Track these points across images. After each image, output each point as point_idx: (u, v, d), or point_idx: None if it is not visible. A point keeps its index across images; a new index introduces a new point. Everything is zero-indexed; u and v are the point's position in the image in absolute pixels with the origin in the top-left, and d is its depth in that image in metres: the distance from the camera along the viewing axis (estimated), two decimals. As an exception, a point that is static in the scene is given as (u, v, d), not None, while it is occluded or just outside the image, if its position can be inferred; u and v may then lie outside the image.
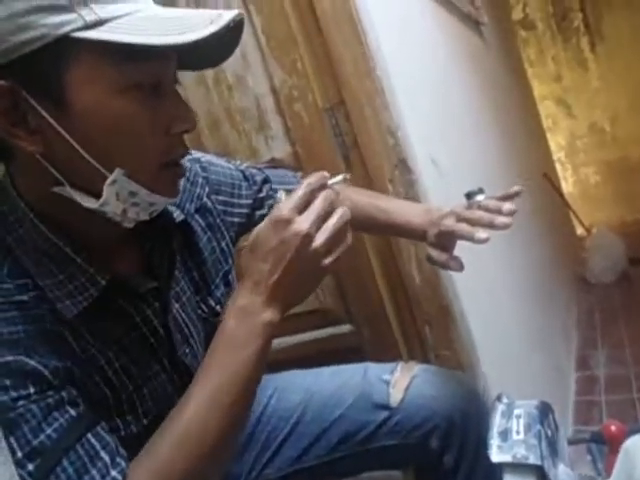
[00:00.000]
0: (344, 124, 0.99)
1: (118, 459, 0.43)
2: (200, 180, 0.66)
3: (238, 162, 0.77)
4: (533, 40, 3.89)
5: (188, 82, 1.09)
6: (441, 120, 1.20)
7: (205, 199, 0.65)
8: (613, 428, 1.02)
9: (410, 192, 0.96)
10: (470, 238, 0.60)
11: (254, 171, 0.77)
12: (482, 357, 1.00)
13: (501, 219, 0.59)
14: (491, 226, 0.59)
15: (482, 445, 0.66)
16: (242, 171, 0.75)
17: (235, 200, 0.71)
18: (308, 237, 0.46)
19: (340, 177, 0.52)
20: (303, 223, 0.46)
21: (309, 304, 1.10)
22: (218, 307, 0.63)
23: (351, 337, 1.06)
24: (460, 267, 0.63)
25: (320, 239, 0.47)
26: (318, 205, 0.47)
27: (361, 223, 0.78)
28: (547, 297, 1.91)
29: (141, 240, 0.56)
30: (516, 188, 0.63)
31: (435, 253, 0.66)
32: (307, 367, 1.14)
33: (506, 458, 0.41)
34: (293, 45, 0.99)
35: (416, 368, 0.70)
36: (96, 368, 0.47)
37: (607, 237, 2.80)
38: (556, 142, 3.94)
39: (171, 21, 0.43)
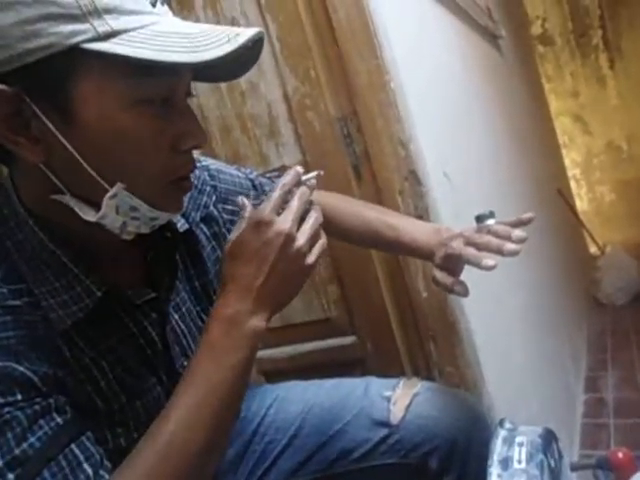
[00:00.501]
0: (355, 134, 0.99)
1: (101, 472, 0.42)
2: (208, 188, 0.65)
3: (249, 170, 0.77)
4: (551, 55, 3.87)
5: (202, 87, 1.09)
6: (455, 134, 1.19)
7: (212, 208, 0.64)
8: (620, 455, 0.98)
9: (420, 205, 0.95)
10: (477, 264, 0.59)
11: (264, 180, 0.76)
12: (487, 376, 0.97)
13: (509, 246, 0.58)
14: (499, 252, 0.58)
15: (484, 468, 0.64)
16: (251, 180, 0.74)
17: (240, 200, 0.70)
18: (290, 236, 0.47)
19: (314, 173, 0.53)
20: (284, 223, 0.47)
21: (314, 314, 1.09)
22: None
23: (355, 349, 1.05)
24: (465, 292, 0.62)
25: (302, 237, 0.48)
26: (295, 204, 0.48)
27: (369, 238, 0.77)
28: (557, 316, 1.88)
29: (143, 249, 0.55)
30: (528, 215, 0.62)
31: (440, 275, 0.65)
32: (310, 377, 1.12)
33: (506, 489, 0.40)
34: (307, 53, 0.99)
35: (419, 385, 0.69)
36: (88, 377, 0.46)
37: (621, 257, 2.75)
38: (571, 159, 3.90)
39: (186, 37, 0.42)
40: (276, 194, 0.48)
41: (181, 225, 0.58)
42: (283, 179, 0.50)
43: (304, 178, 0.52)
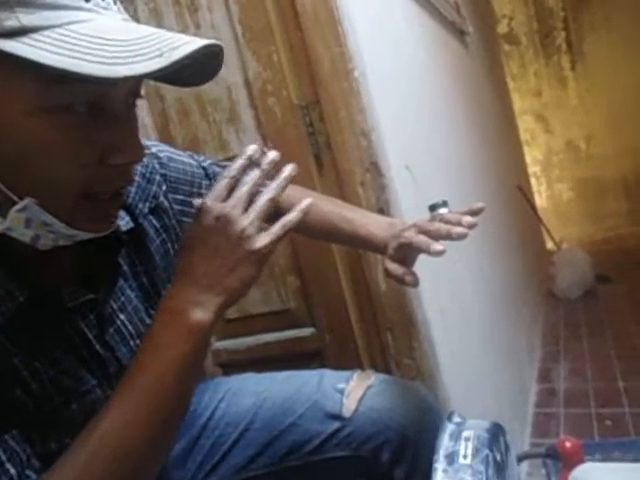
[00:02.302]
0: (318, 123, 0.97)
1: (28, 472, 0.39)
2: (157, 178, 0.61)
3: (202, 158, 0.73)
4: (516, 54, 3.95)
5: (159, 68, 1.05)
6: (418, 126, 1.19)
7: (162, 198, 0.61)
8: (568, 444, 1.02)
9: (381, 197, 0.95)
10: (426, 249, 0.57)
11: (218, 169, 0.73)
12: (443, 367, 0.98)
13: (457, 229, 0.56)
14: (448, 237, 0.57)
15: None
16: (205, 168, 0.71)
17: (194, 199, 0.67)
18: (228, 218, 0.44)
19: (270, 156, 0.49)
20: (224, 207, 0.44)
21: (272, 304, 1.08)
22: None
23: (313, 340, 1.04)
24: (416, 282, 0.60)
25: (246, 219, 0.45)
26: (243, 190, 0.45)
27: (324, 231, 0.75)
28: (514, 309, 1.93)
29: (79, 249, 0.50)
30: (479, 204, 0.61)
31: (392, 266, 0.63)
32: (268, 369, 1.11)
33: (450, 484, 0.39)
34: (270, 38, 0.96)
35: (373, 378, 0.68)
36: (17, 378, 0.43)
37: (576, 253, 2.85)
38: (533, 156, 4.01)
39: (114, 44, 0.35)
40: (223, 182, 0.46)
41: (125, 224, 0.54)
42: (232, 164, 0.47)
43: (264, 165, 0.48)
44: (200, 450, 0.67)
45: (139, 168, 0.59)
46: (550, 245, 3.28)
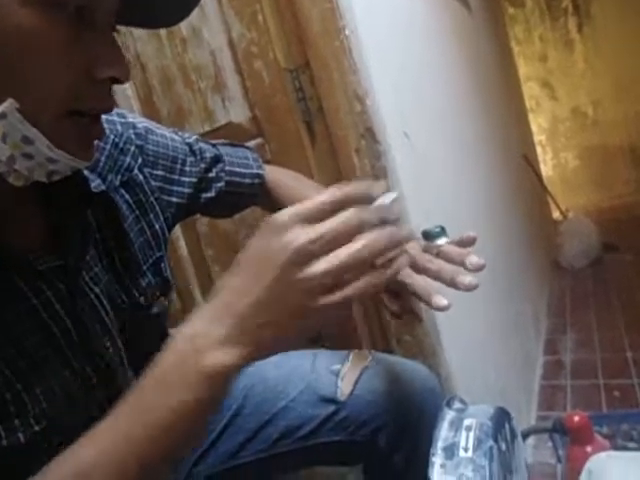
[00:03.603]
0: (308, 88, 0.90)
1: None
2: (132, 149, 0.56)
3: (187, 134, 0.68)
4: (521, 17, 3.80)
5: (138, 34, 0.98)
6: (416, 91, 1.12)
7: (136, 171, 0.55)
8: (576, 418, 0.98)
9: (377, 165, 0.89)
10: (427, 302, 0.48)
11: (205, 146, 0.67)
12: (446, 342, 0.94)
13: (465, 279, 0.46)
14: (452, 285, 0.48)
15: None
16: (189, 144, 0.65)
17: (175, 177, 0.61)
18: (303, 254, 0.32)
19: (393, 195, 0.36)
20: (301, 235, 0.32)
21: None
22: (142, 299, 0.54)
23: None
24: (420, 319, 0.53)
25: (323, 265, 0.32)
26: (336, 222, 0.33)
27: None
28: (519, 281, 1.88)
29: (49, 210, 0.47)
30: (472, 234, 0.52)
31: (387, 299, 0.55)
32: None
33: (449, 480, 0.35)
34: (254, -5, 0.89)
35: (369, 358, 0.64)
36: None
37: (582, 222, 2.79)
38: (538, 124, 3.90)
39: None
40: (317, 199, 0.34)
41: (96, 185, 0.49)
42: (340, 187, 0.35)
43: (379, 202, 0.35)
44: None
45: (112, 137, 0.54)
46: (556, 215, 3.21)
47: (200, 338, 0.33)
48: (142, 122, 0.60)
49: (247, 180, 0.71)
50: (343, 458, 0.64)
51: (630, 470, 0.47)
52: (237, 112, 0.96)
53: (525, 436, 1.05)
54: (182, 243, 1.09)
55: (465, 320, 1.13)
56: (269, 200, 0.75)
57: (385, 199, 0.36)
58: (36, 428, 0.41)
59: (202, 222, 1.06)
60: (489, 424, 0.39)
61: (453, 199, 1.19)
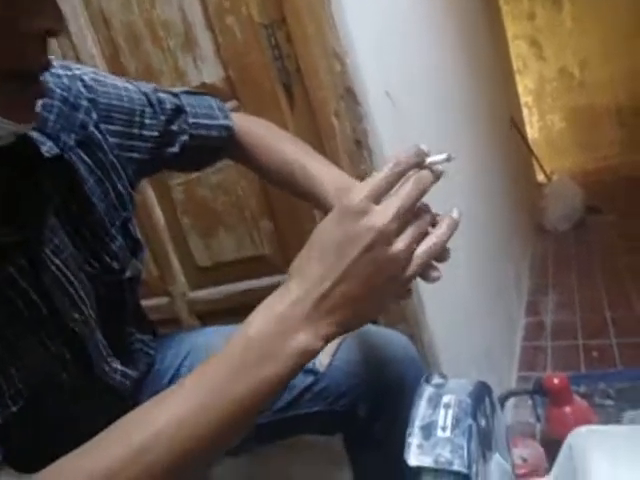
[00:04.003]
0: (285, 45, 0.85)
1: None
2: (84, 104, 0.51)
3: (143, 83, 0.63)
4: (509, -26, 3.68)
5: (101, -14, 0.91)
6: (400, 49, 1.07)
7: (91, 129, 0.51)
8: (555, 381, 1.00)
9: (358, 127, 0.85)
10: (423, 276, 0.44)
11: (164, 96, 0.62)
12: (428, 307, 0.94)
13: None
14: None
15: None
16: (146, 94, 0.60)
17: (135, 131, 0.57)
18: (384, 235, 0.34)
19: (443, 156, 0.38)
20: (380, 215, 0.34)
21: (245, 251, 1.01)
22: (115, 263, 0.51)
23: (291, 287, 0.98)
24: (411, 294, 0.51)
25: (403, 241, 0.35)
26: (406, 192, 0.35)
27: (280, 179, 0.66)
28: (503, 244, 1.88)
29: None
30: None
31: None
32: (244, 318, 1.06)
33: (426, 461, 0.34)
34: (224, -57, 0.82)
35: (348, 328, 0.62)
36: None
37: (566, 185, 2.79)
38: (524, 85, 3.84)
39: None
40: (381, 175, 0.35)
41: (48, 149, 0.46)
42: (396, 156, 0.36)
43: (429, 160, 0.37)
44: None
45: (58, 91, 0.49)
46: (541, 177, 3.21)
47: (287, 320, 0.34)
48: (90, 73, 0.55)
49: (214, 132, 0.65)
50: (323, 428, 0.64)
51: (610, 445, 0.47)
52: (210, 72, 0.91)
53: (506, 398, 1.07)
54: (158, 210, 1.05)
55: (447, 284, 1.12)
56: (241, 153, 0.69)
57: (436, 158, 0.38)
58: (13, 409, 0.40)
59: (178, 190, 1.02)
60: (468, 401, 0.37)
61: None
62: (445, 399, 0.38)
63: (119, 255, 0.52)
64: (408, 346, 0.64)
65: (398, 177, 0.36)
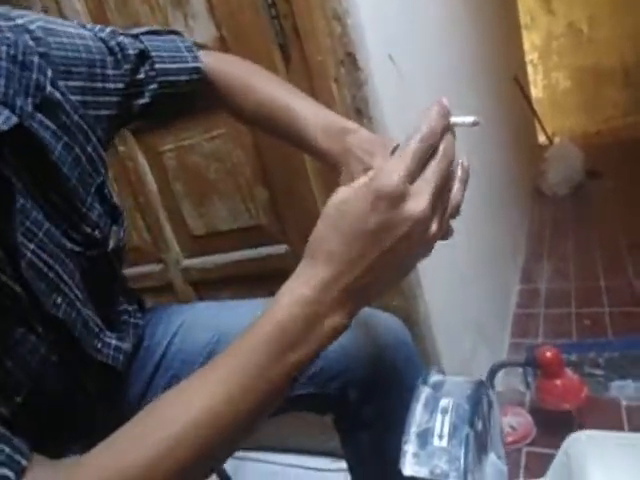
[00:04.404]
0: (282, 4, 0.80)
1: (18, 457, 0.33)
2: (36, 60, 0.44)
3: (98, 27, 0.54)
4: None
5: None
6: (403, 8, 1.00)
7: (49, 88, 0.45)
8: (548, 354, 1.01)
9: (358, 94, 0.81)
10: None
11: (124, 40, 0.54)
12: (425, 277, 0.93)
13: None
14: None
15: (408, 395, 0.60)
16: (104, 40, 0.52)
17: (98, 85, 0.50)
18: (424, 222, 0.32)
19: (469, 119, 0.35)
20: (418, 202, 0.32)
21: (241, 220, 0.98)
22: (96, 232, 0.49)
23: (287, 258, 0.96)
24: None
25: (438, 220, 0.34)
26: (439, 171, 0.33)
27: (259, 121, 0.60)
28: (502, 209, 1.86)
29: None
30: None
31: None
32: (241, 287, 1.05)
33: (422, 472, 0.33)
34: None
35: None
36: None
37: (567, 149, 2.74)
38: (531, 42, 3.70)
39: None
40: (414, 149, 0.32)
41: (4, 120, 0.39)
42: (424, 123, 0.33)
43: (453, 121, 0.34)
44: (154, 391, 0.61)
45: (3, 48, 0.42)
46: (542, 139, 3.15)
47: (318, 305, 0.33)
48: (37, 20, 0.47)
49: (183, 77, 0.59)
50: (313, 408, 0.63)
51: (606, 452, 0.47)
52: (202, 31, 0.85)
53: (498, 369, 1.08)
54: (150, 178, 1.02)
55: (444, 254, 1.11)
56: (215, 96, 0.63)
57: (461, 120, 0.35)
58: (18, 399, 0.40)
59: (169, 156, 0.98)
60: (465, 407, 0.37)
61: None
62: (442, 403, 0.38)
63: (99, 223, 0.49)
64: (401, 330, 0.63)
65: (430, 150, 0.33)
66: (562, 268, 1.92)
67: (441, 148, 0.33)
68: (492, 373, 1.07)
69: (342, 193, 0.33)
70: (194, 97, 0.63)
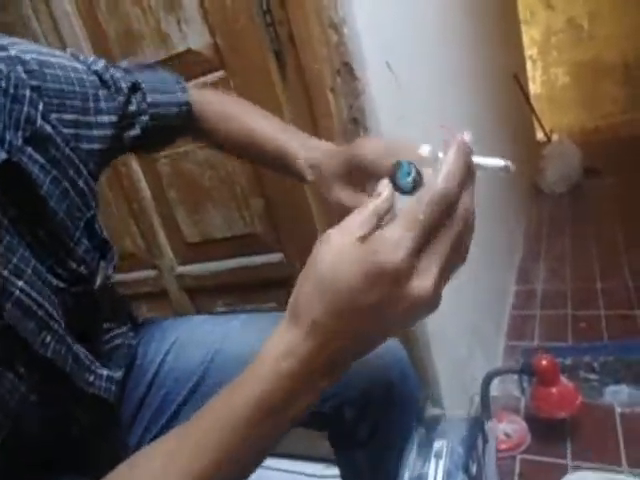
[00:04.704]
0: (277, 11, 0.78)
1: None
2: (27, 93, 0.44)
3: (92, 59, 0.54)
4: None
5: None
6: (400, 13, 0.98)
7: (40, 122, 0.44)
8: (544, 362, 1.01)
9: (355, 104, 0.80)
10: None
11: (116, 73, 0.54)
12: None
13: None
14: None
15: (405, 416, 0.60)
16: (98, 73, 0.52)
17: (91, 118, 0.50)
18: (431, 302, 0.29)
19: (499, 162, 0.29)
20: (427, 281, 0.28)
21: (235, 229, 0.97)
22: (82, 268, 0.48)
23: (282, 267, 0.95)
24: None
25: (442, 291, 0.30)
26: (451, 241, 0.29)
27: (242, 149, 0.61)
28: (499, 208, 1.85)
29: None
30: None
31: (347, 195, 0.50)
32: (236, 295, 1.04)
33: (415, 524, 0.33)
34: None
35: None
36: None
37: (565, 146, 2.72)
38: (530, 37, 3.67)
39: None
40: (426, 215, 0.27)
41: None
42: (441, 174, 0.28)
43: (477, 162, 0.29)
44: (147, 411, 0.60)
45: None
46: (540, 136, 3.13)
47: (302, 377, 0.31)
48: (31, 52, 0.47)
49: (173, 109, 0.60)
50: (309, 426, 0.63)
51: None
52: (195, 37, 0.83)
53: (493, 376, 1.08)
54: (144, 184, 1.01)
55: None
56: (199, 127, 0.64)
57: (489, 163, 0.29)
58: None
59: (164, 162, 0.96)
60: (460, 451, 0.36)
61: (440, 141, 1.10)
62: (436, 446, 0.37)
63: (86, 259, 0.48)
64: (397, 348, 0.62)
65: (446, 213, 0.28)
66: (559, 268, 1.92)
67: (459, 210, 0.29)
68: (487, 380, 1.07)
69: (335, 249, 0.29)
70: (181, 129, 0.64)
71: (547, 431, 1.07)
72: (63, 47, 0.93)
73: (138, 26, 0.86)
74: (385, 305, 0.28)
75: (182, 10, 0.82)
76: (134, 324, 0.64)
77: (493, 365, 1.49)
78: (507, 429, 1.07)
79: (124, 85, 0.54)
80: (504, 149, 2.09)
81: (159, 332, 0.66)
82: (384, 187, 0.31)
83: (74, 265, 0.47)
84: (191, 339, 0.64)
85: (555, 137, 3.05)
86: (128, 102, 0.55)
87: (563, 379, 1.02)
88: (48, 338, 0.43)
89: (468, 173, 0.29)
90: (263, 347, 0.33)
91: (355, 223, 0.30)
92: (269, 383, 0.31)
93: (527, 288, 1.85)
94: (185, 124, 0.63)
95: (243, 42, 0.81)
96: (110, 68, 0.55)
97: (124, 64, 0.59)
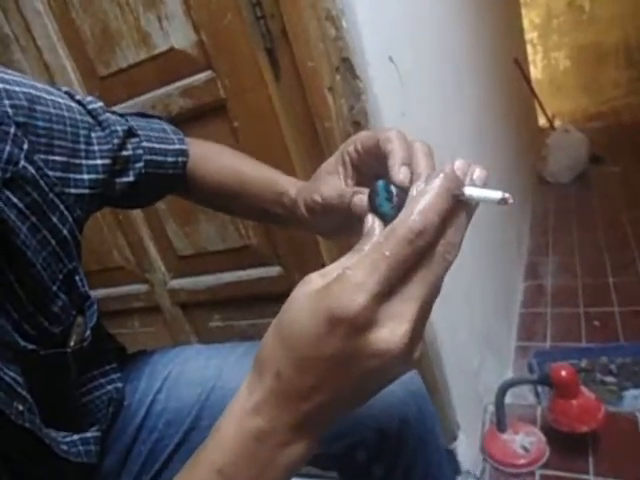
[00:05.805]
0: (268, 3, 0.70)
1: None
2: (12, 131, 0.39)
3: (89, 98, 0.49)
4: None
5: None
6: (402, 3, 0.91)
7: (23, 162, 0.39)
8: (563, 373, 0.94)
9: (356, 106, 0.73)
10: None
11: (112, 117, 0.50)
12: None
13: None
14: None
15: (423, 455, 0.54)
16: (93, 113, 0.48)
17: (82, 161, 0.45)
18: (401, 357, 0.25)
19: (496, 194, 0.26)
20: (397, 332, 0.24)
21: (229, 241, 0.90)
22: (54, 327, 0.41)
23: (281, 281, 0.89)
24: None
25: (419, 345, 0.26)
26: (429, 284, 0.25)
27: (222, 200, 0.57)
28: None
29: None
30: None
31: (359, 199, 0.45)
32: (232, 310, 0.98)
33: None
34: None
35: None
36: None
37: (570, 135, 2.64)
38: (530, 20, 3.58)
39: None
40: (394, 253, 0.24)
41: None
42: (419, 205, 0.24)
43: (469, 194, 0.26)
44: (136, 459, 0.54)
45: None
46: (543, 122, 3.05)
47: (271, 437, 0.28)
48: (22, 85, 0.42)
49: (170, 159, 0.55)
50: (316, 465, 0.57)
51: None
52: (178, 35, 0.76)
53: (508, 387, 1.02)
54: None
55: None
56: (194, 183, 0.58)
57: (483, 195, 0.26)
58: None
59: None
60: None
61: (442, 134, 1.03)
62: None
63: (61, 316, 0.42)
64: (411, 379, 0.56)
65: (421, 252, 0.24)
66: (568, 263, 1.85)
67: (439, 248, 0.25)
68: (502, 391, 1.01)
69: (306, 292, 0.26)
70: (175, 180, 0.57)
71: (566, 443, 1.01)
72: (37, 50, 0.86)
73: (116, 24, 0.78)
74: (350, 356, 0.25)
75: (163, 5, 0.75)
76: (121, 359, 0.58)
77: (505, 368, 1.43)
78: (524, 442, 1.01)
79: (120, 128, 0.49)
80: (507, 137, 2.01)
81: (148, 368, 0.60)
82: (371, 225, 0.29)
83: (45, 323, 0.40)
84: (183, 375, 0.58)
85: (558, 123, 2.97)
86: (123, 146, 0.49)
87: (583, 389, 0.96)
88: (20, 408, 0.37)
89: (450, 205, 0.25)
90: (230, 404, 0.29)
91: (336, 265, 0.27)
92: (231, 452, 0.28)
93: (536, 284, 1.79)
94: (181, 175, 0.57)
95: (231, 39, 0.73)
96: (106, 112, 0.50)
97: (120, 111, 0.53)
